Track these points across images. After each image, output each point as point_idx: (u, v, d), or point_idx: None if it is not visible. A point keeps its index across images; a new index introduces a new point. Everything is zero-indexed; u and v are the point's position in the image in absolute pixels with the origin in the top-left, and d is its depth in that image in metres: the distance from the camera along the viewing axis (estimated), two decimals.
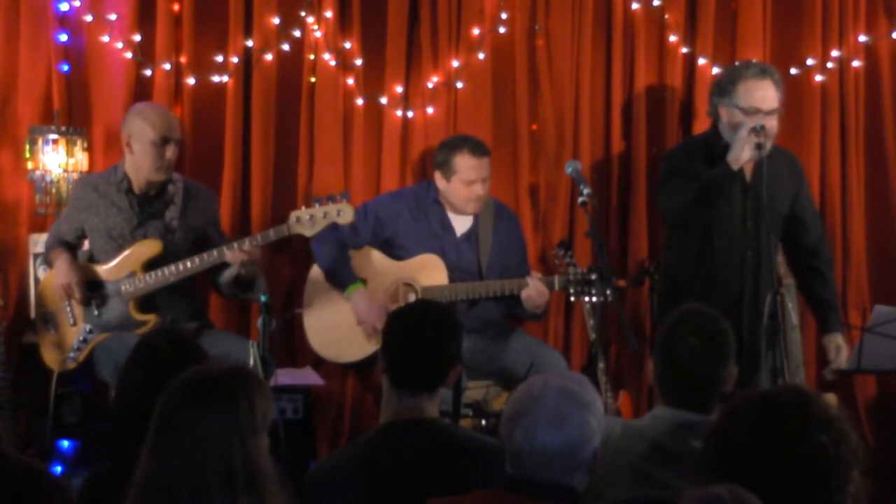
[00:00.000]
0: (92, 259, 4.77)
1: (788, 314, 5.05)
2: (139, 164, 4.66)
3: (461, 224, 5.06)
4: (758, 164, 4.48)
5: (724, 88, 4.65)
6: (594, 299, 4.65)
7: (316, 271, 5.07)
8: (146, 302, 4.67)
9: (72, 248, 4.78)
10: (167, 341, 2.93)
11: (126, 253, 4.66)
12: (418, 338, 2.99)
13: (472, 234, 5.05)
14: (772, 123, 4.56)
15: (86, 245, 4.81)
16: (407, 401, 2.98)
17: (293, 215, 4.49)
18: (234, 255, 4.50)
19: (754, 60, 5.19)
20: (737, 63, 5.11)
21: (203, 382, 2.33)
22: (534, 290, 4.78)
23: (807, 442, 2.08)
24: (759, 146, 4.43)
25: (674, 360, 2.98)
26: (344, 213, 4.45)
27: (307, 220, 4.46)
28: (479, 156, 4.95)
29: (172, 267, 4.59)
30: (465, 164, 4.93)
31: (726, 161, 4.50)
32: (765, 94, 4.58)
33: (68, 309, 4.70)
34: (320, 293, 5.04)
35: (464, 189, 4.95)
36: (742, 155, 4.48)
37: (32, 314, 4.93)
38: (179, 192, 4.75)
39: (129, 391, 2.83)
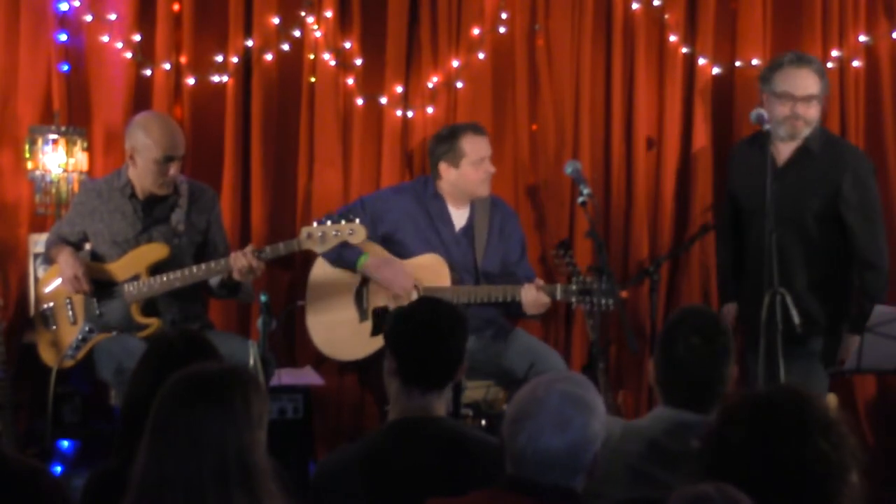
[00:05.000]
0: (95, 259, 4.76)
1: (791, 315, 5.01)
2: (142, 177, 4.65)
3: (459, 219, 5.06)
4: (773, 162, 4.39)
5: (764, 77, 4.74)
6: (595, 309, 4.64)
7: (317, 270, 5.07)
8: (148, 305, 4.66)
9: (73, 247, 4.76)
10: (182, 339, 2.96)
11: (132, 254, 4.66)
12: (430, 334, 3.01)
13: (468, 229, 5.05)
14: (808, 111, 4.61)
15: (87, 247, 4.81)
16: (417, 398, 2.99)
17: (304, 231, 4.48)
18: (238, 260, 4.48)
19: (795, 51, 5.06)
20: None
21: (198, 380, 2.35)
22: (532, 299, 4.76)
23: (805, 446, 2.07)
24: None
25: (675, 359, 2.98)
26: (356, 234, 4.46)
27: (318, 237, 4.46)
28: (481, 134, 5.02)
29: (178, 273, 4.58)
30: (471, 144, 4.96)
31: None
32: (798, 80, 4.62)
33: (69, 307, 4.70)
34: (322, 292, 5.04)
35: (474, 171, 4.96)
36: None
37: (32, 314, 4.92)
38: (184, 194, 4.72)
39: (141, 387, 2.83)
